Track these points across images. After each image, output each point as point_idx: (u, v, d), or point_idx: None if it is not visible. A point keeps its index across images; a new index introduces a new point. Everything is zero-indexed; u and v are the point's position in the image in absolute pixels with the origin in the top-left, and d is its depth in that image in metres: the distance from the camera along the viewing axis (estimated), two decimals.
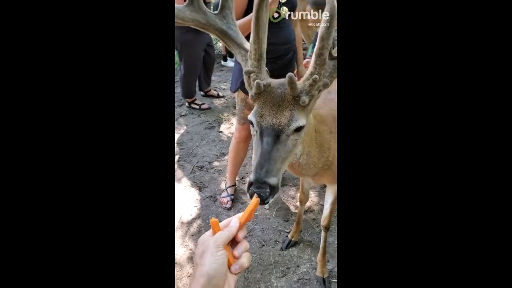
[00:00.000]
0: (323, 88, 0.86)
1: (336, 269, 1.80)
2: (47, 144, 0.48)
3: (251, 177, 0.79)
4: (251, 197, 0.75)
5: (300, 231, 1.98)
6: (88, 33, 0.51)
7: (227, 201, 2.24)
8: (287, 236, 1.97)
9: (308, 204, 2.21)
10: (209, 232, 0.59)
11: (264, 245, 1.95)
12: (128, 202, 0.53)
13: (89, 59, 0.51)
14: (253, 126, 0.90)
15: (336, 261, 1.83)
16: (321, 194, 2.33)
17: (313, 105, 0.93)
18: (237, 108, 1.94)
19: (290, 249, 1.92)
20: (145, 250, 0.53)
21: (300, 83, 0.85)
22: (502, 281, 0.42)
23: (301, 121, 0.86)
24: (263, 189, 0.76)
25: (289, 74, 0.81)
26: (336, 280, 1.73)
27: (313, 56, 0.84)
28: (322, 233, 1.70)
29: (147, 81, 0.56)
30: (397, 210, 0.51)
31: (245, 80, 0.92)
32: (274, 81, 0.91)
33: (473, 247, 0.45)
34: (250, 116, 0.89)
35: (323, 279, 1.71)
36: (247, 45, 0.94)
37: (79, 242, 0.49)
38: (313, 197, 2.32)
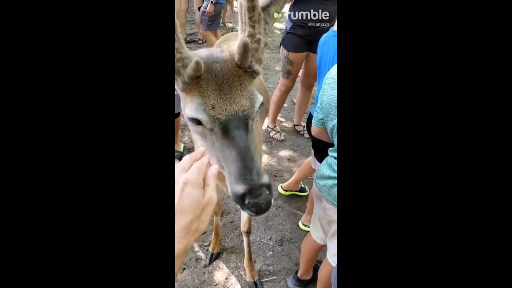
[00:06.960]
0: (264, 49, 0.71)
1: (264, 267, 1.77)
2: (47, 143, 0.47)
3: (240, 188, 0.60)
4: (253, 211, 0.60)
5: (220, 240, 1.86)
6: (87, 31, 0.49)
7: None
8: (207, 250, 1.82)
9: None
10: None
11: (185, 268, 1.75)
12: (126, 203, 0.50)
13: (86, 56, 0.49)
14: (199, 124, 0.66)
15: (262, 258, 1.81)
16: None
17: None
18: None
19: (214, 262, 1.78)
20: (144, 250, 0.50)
21: None
22: (502, 281, 0.43)
23: (259, 96, 0.69)
24: (264, 194, 0.60)
25: (244, 39, 0.64)
26: (266, 279, 1.70)
27: (246, 12, 0.66)
28: (244, 238, 1.62)
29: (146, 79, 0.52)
30: (397, 210, 0.48)
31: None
32: (201, 56, 0.67)
33: (470, 250, 0.44)
34: (195, 114, 0.65)
35: (255, 283, 1.65)
36: None
37: (76, 241, 0.47)
38: (224, 198, 2.21)
